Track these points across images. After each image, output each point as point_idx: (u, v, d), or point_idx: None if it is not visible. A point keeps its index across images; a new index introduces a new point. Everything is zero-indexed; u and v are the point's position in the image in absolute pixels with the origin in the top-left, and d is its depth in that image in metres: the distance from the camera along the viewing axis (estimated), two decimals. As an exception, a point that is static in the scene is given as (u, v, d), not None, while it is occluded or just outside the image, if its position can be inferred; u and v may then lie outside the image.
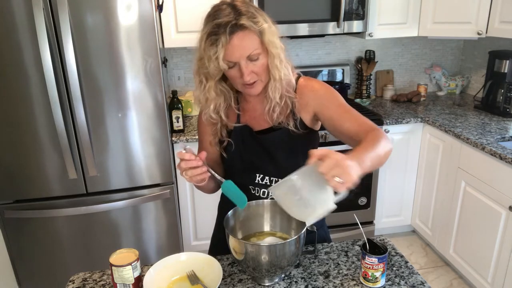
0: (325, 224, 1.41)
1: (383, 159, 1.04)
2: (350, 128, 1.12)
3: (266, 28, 1.08)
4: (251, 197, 1.24)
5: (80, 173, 2.16)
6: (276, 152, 1.22)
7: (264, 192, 1.25)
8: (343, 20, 2.52)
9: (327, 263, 1.18)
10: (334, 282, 1.10)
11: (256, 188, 1.25)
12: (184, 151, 1.06)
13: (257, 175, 1.25)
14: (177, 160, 2.43)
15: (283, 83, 1.16)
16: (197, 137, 2.31)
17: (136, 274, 1.06)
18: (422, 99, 3.05)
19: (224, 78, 1.18)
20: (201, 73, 1.16)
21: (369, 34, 2.63)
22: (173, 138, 2.35)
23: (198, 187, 1.23)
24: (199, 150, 1.29)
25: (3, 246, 2.24)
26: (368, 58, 3.07)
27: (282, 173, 1.22)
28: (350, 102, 2.94)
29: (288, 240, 1.01)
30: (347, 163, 0.87)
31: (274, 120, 1.20)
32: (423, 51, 3.19)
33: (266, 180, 1.25)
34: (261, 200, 1.20)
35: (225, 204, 1.29)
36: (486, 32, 2.48)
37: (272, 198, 1.25)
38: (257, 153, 1.23)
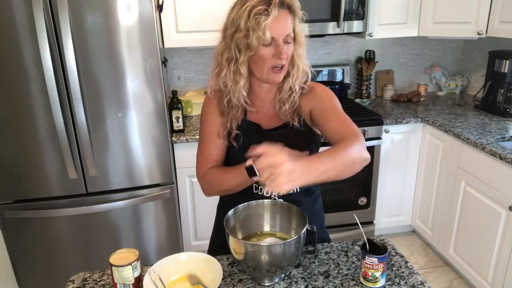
0: (324, 225, 1.41)
1: (347, 170, 1.02)
2: (332, 128, 1.15)
3: (300, 15, 1.16)
4: (253, 195, 1.24)
5: (80, 173, 2.16)
6: None
7: (267, 191, 1.25)
8: (343, 20, 2.52)
9: (327, 263, 1.18)
10: (334, 282, 1.10)
11: (260, 187, 1.25)
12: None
13: None
14: (178, 162, 2.39)
15: (300, 76, 1.22)
16: (197, 137, 2.34)
17: (136, 274, 1.07)
18: (422, 99, 3.05)
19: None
20: (234, 49, 1.14)
21: (369, 34, 2.63)
22: (173, 138, 2.35)
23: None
24: (204, 143, 1.27)
25: (3, 246, 2.24)
26: (368, 58, 3.07)
27: None
28: (350, 102, 2.97)
29: (288, 240, 1.01)
30: (281, 169, 0.86)
31: (281, 114, 1.23)
32: (423, 51, 3.19)
33: None
34: (261, 200, 1.20)
35: (224, 206, 1.29)
36: (486, 32, 2.48)
37: (274, 198, 1.25)
38: None
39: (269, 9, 1.07)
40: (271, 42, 1.11)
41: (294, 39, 1.16)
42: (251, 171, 1.03)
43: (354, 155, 1.02)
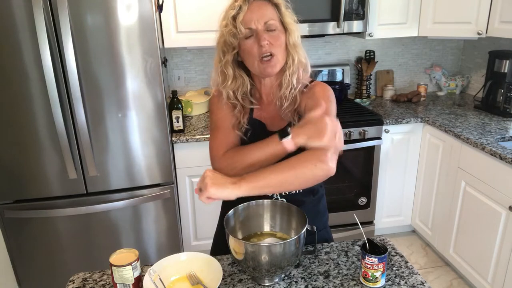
0: (328, 226, 1.40)
1: (292, 185, 1.07)
2: None
3: (283, 4, 1.16)
4: None
5: (80, 173, 2.16)
6: None
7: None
8: (343, 20, 2.52)
9: (327, 263, 1.18)
10: (334, 282, 1.10)
11: None
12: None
13: None
14: (178, 162, 2.37)
15: (300, 69, 1.20)
16: (197, 137, 2.34)
17: (136, 274, 1.07)
18: (422, 99, 3.05)
19: (241, 66, 1.21)
20: (220, 48, 1.19)
21: (369, 34, 2.63)
22: (173, 138, 2.34)
23: None
24: (219, 128, 1.24)
25: (3, 246, 2.24)
26: (368, 58, 3.07)
27: None
28: (350, 102, 2.97)
29: (288, 240, 1.01)
30: (205, 175, 1.02)
31: (282, 113, 1.22)
32: (423, 51, 3.19)
33: None
34: (261, 200, 1.20)
35: (229, 202, 1.27)
36: (486, 32, 2.48)
37: (276, 198, 1.25)
38: None
39: (239, 4, 1.12)
40: (251, 33, 1.13)
41: (285, 29, 1.16)
42: (284, 133, 1.03)
43: (303, 170, 1.02)
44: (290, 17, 1.17)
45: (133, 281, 1.06)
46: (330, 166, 1.03)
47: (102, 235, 2.29)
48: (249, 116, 1.25)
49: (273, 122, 1.25)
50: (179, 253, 1.15)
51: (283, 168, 1.03)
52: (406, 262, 1.19)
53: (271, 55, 1.14)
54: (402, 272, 1.14)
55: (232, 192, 1.00)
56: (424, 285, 1.09)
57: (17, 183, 2.12)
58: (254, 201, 1.18)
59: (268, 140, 1.07)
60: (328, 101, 1.19)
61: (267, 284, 1.10)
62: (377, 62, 3.07)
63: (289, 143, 1.02)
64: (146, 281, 1.05)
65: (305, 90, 1.23)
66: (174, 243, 2.44)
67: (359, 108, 2.79)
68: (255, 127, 1.24)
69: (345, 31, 2.57)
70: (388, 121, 2.58)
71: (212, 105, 1.29)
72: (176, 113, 2.39)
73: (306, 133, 1.00)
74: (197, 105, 2.72)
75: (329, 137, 0.97)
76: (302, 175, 1.03)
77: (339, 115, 1.20)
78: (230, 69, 1.19)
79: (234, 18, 1.12)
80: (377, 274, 1.06)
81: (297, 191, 1.26)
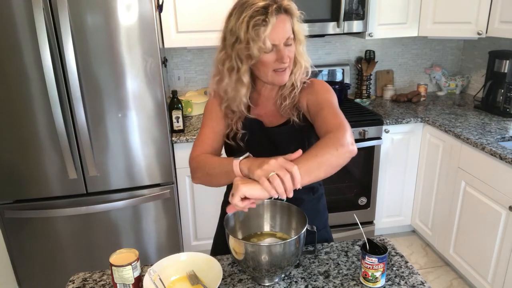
0: (328, 225, 1.41)
1: (319, 174, 1.01)
2: (320, 119, 1.12)
3: (297, 15, 1.15)
4: None
5: (80, 173, 2.16)
6: (284, 145, 1.23)
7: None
8: (343, 20, 2.52)
9: (327, 263, 1.19)
10: (334, 282, 1.10)
11: None
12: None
13: None
14: (178, 162, 2.38)
15: (302, 72, 1.22)
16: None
17: (136, 274, 1.07)
18: (422, 99, 3.05)
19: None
20: (235, 59, 1.14)
21: (369, 34, 2.63)
22: (173, 138, 2.35)
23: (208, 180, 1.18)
24: (202, 129, 1.28)
25: (3, 246, 2.24)
26: (368, 58, 3.07)
27: None
28: (350, 102, 2.97)
29: (288, 240, 1.01)
30: (235, 184, 0.95)
31: (282, 110, 1.23)
32: (423, 51, 3.19)
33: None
34: (261, 200, 1.19)
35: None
36: (486, 32, 2.48)
37: (276, 198, 1.25)
38: (265, 147, 1.23)
39: (267, 18, 1.06)
40: (273, 48, 1.11)
41: (294, 38, 1.16)
42: (241, 155, 1.02)
43: (326, 156, 0.99)
44: (300, 26, 1.18)
45: (133, 281, 1.06)
46: (351, 148, 1.02)
47: (102, 235, 2.29)
48: (246, 116, 1.25)
49: (271, 119, 1.26)
50: (179, 253, 1.15)
51: (307, 158, 1.00)
52: (406, 262, 1.19)
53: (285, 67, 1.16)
54: (402, 272, 1.14)
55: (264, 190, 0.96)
56: (424, 285, 1.09)
57: (17, 183, 2.12)
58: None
59: (225, 159, 1.08)
60: (329, 93, 1.21)
61: (267, 284, 1.10)
62: (377, 62, 3.07)
63: (235, 164, 1.00)
64: (146, 281, 1.05)
65: (304, 85, 1.24)
66: (174, 243, 2.44)
67: (359, 108, 2.79)
68: (252, 126, 1.24)
69: (345, 31, 2.57)
70: (388, 121, 2.58)
71: (206, 105, 1.31)
72: (176, 113, 2.39)
73: (251, 163, 0.98)
74: (197, 105, 2.72)
75: (259, 173, 0.94)
76: (325, 161, 1.00)
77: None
78: (248, 77, 1.17)
79: (261, 33, 1.08)
80: (377, 274, 1.06)
81: (297, 190, 1.26)
